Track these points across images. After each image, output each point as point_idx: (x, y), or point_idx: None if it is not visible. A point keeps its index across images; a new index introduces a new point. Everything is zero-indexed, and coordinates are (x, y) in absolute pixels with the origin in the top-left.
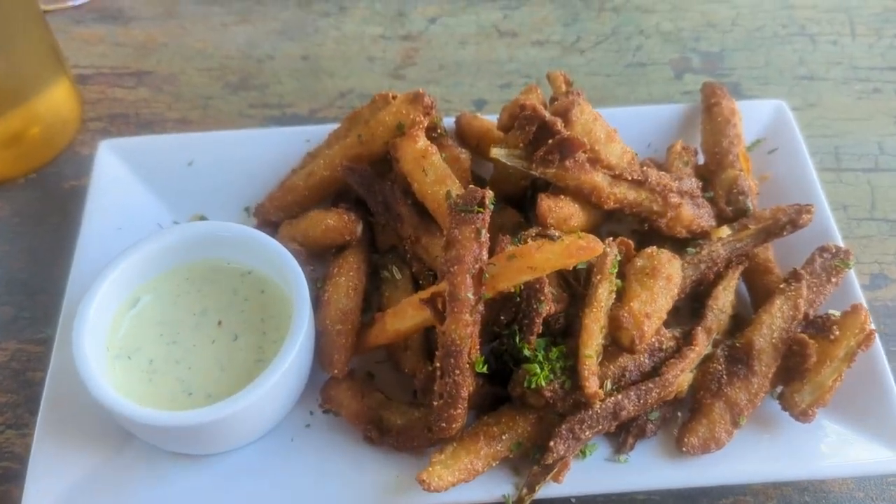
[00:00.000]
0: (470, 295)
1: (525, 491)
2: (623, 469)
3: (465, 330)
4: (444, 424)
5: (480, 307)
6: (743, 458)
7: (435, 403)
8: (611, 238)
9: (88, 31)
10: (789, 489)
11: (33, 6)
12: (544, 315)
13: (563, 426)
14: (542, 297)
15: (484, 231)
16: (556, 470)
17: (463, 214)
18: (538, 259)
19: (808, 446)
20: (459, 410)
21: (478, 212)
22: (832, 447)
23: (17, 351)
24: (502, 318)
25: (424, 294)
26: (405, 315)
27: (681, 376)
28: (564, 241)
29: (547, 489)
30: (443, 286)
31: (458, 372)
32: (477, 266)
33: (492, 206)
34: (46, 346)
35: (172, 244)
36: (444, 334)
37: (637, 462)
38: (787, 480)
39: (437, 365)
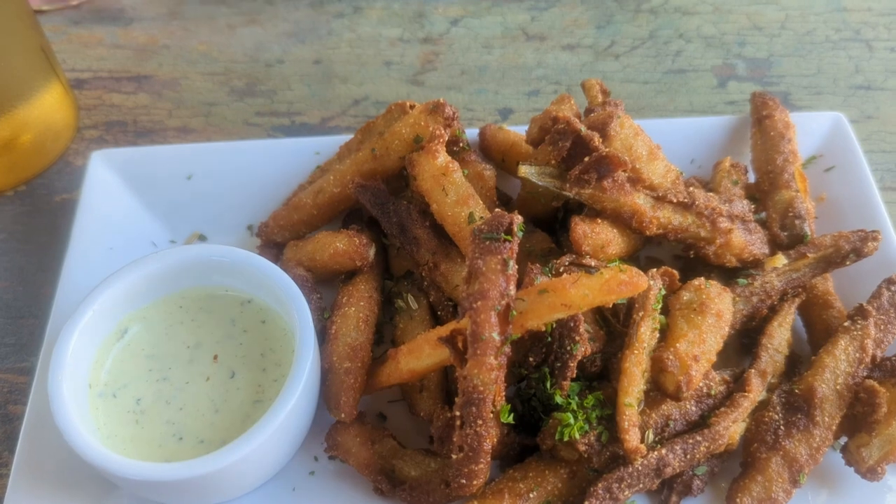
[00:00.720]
0: (495, 335)
1: None
2: None
3: (489, 375)
4: (463, 481)
5: (507, 348)
6: None
7: (454, 456)
8: (654, 269)
9: (87, 33)
10: None
11: (22, 4)
12: (579, 357)
13: (600, 485)
14: (578, 338)
15: (511, 262)
16: None
17: (488, 243)
18: (573, 295)
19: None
20: (481, 465)
21: (505, 240)
22: None
23: None
24: (531, 359)
25: (443, 331)
26: (421, 353)
27: (733, 427)
28: (604, 276)
29: None
30: (464, 323)
31: (480, 422)
32: (503, 302)
33: (520, 234)
34: (30, 375)
35: (166, 269)
36: (466, 379)
37: None
38: None
39: (457, 413)
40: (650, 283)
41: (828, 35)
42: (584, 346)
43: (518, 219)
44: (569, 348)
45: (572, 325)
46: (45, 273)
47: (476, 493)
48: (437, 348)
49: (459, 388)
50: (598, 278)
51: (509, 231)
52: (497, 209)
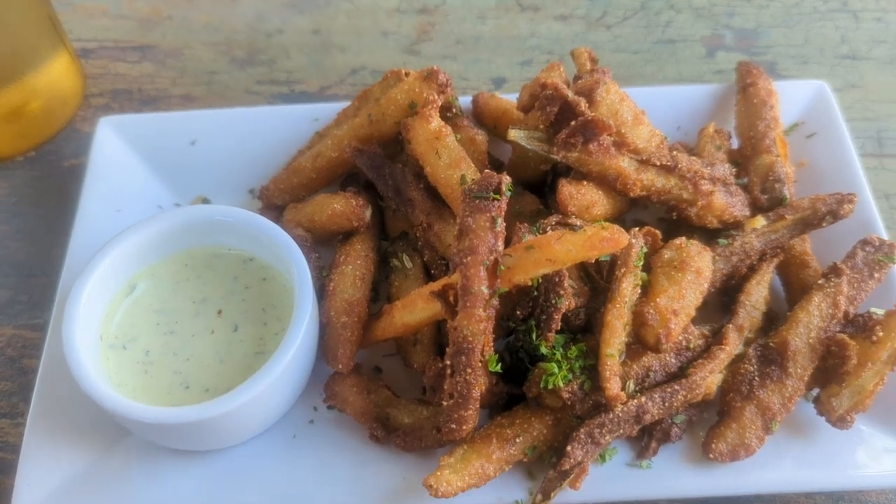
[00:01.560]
0: (484, 288)
1: (540, 498)
2: (645, 475)
3: (478, 326)
4: (453, 426)
5: (495, 301)
6: (774, 466)
7: (445, 403)
8: (636, 228)
9: (91, 3)
10: (822, 499)
11: None
12: (563, 310)
13: (582, 430)
14: (562, 292)
15: (500, 220)
16: (573, 476)
17: (478, 202)
18: (558, 251)
19: (845, 454)
20: (470, 412)
21: (494, 199)
22: (871, 456)
23: (13, 337)
24: (518, 312)
25: (435, 286)
26: (415, 308)
27: (709, 378)
28: (587, 232)
29: (564, 496)
30: (455, 278)
31: (469, 371)
32: (492, 257)
33: (509, 194)
34: (43, 331)
35: (172, 228)
36: (456, 330)
37: (660, 468)
38: (821, 490)
39: (448, 363)
40: (632, 241)
41: (815, 6)
42: (568, 300)
43: (506, 179)
44: (554, 302)
45: (557, 280)
46: (54, 235)
47: (465, 438)
48: (429, 303)
49: (450, 339)
50: (582, 235)
51: (498, 191)
52: (487, 170)
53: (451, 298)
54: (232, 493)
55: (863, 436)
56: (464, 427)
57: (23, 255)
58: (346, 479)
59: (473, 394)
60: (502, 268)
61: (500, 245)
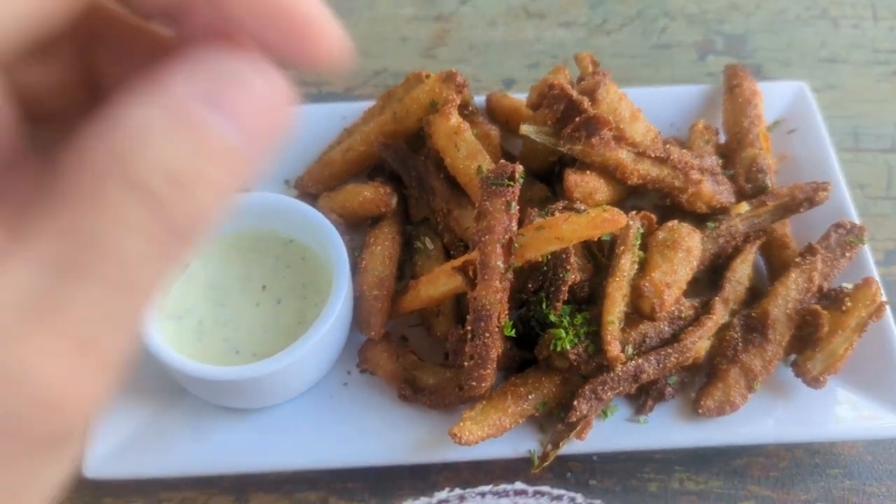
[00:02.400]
0: (500, 263)
1: (550, 447)
2: (642, 429)
3: (495, 296)
4: (474, 383)
5: (509, 275)
6: (757, 420)
7: (465, 364)
8: (634, 212)
9: None
10: (801, 451)
11: None
12: (570, 283)
13: (587, 387)
14: (569, 267)
15: (514, 203)
16: (579, 428)
17: (494, 187)
18: (565, 230)
19: (820, 411)
20: (489, 370)
21: (508, 185)
22: (842, 412)
23: None
24: (530, 285)
25: (457, 262)
26: (438, 282)
27: (698, 343)
28: (590, 214)
29: (571, 446)
30: (474, 255)
31: (487, 335)
32: (507, 236)
33: (521, 180)
34: None
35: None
36: (476, 300)
37: (656, 423)
38: (798, 442)
39: (468, 328)
40: (630, 223)
41: (798, 13)
42: (574, 274)
43: (519, 168)
44: (561, 276)
45: (564, 256)
46: None
47: (484, 396)
48: (451, 277)
49: (470, 307)
50: (586, 216)
51: (512, 177)
52: (501, 161)
53: (471, 273)
54: (274, 446)
55: (835, 395)
56: (483, 384)
57: None
58: (377, 433)
59: (491, 355)
60: (516, 245)
61: (514, 225)
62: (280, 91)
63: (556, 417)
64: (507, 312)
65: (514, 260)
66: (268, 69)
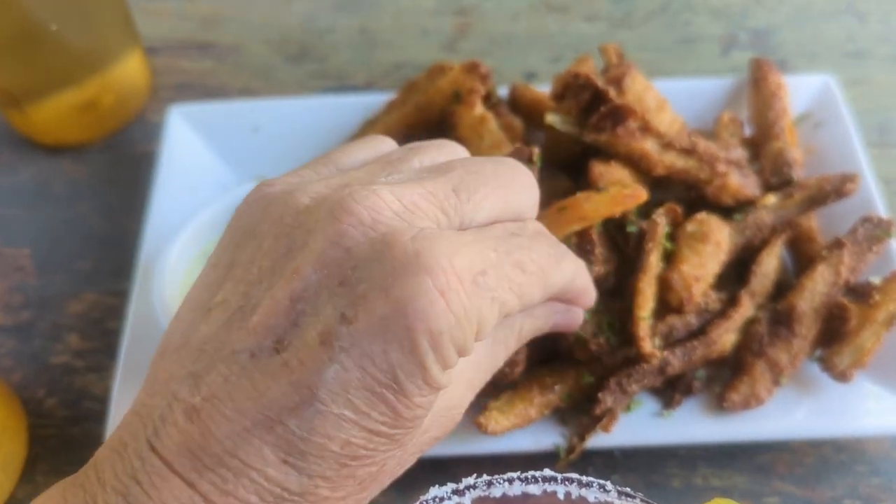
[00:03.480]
0: None
1: (576, 440)
2: (666, 424)
3: None
4: (506, 369)
5: None
6: (782, 416)
7: None
8: (660, 208)
9: (157, 6)
10: (827, 448)
11: None
12: (594, 275)
13: (612, 380)
14: (593, 259)
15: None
16: (605, 421)
17: None
18: (587, 209)
19: (846, 407)
20: (521, 356)
21: (528, 167)
22: (869, 408)
23: (96, 302)
24: None
25: None
26: None
27: (725, 336)
28: (610, 191)
29: (594, 440)
30: None
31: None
32: None
33: (539, 163)
34: (121, 297)
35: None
36: None
37: (679, 418)
38: (824, 437)
39: None
40: (657, 220)
41: (823, 7)
42: (598, 266)
43: (536, 150)
44: (586, 267)
45: (589, 247)
46: (129, 212)
47: (515, 380)
48: None
49: None
50: (606, 194)
51: (531, 159)
52: (518, 144)
53: None
54: None
55: (862, 390)
56: (516, 369)
57: (103, 230)
58: None
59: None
60: None
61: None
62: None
63: (581, 410)
64: None
65: None
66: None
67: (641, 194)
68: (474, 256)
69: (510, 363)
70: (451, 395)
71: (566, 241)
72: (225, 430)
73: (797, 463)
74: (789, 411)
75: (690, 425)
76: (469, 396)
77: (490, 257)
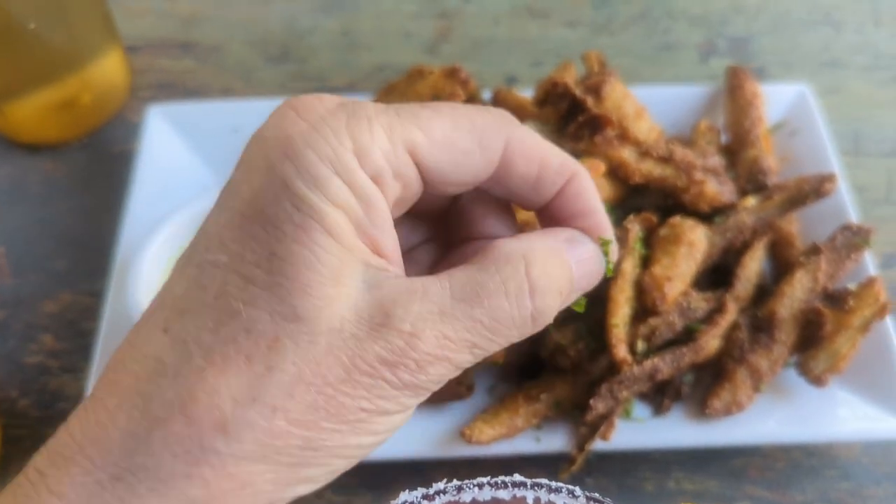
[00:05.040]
0: None
1: (575, 451)
2: (646, 428)
3: None
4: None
5: None
6: (757, 421)
7: None
8: (632, 215)
9: (137, 5)
10: (798, 453)
11: None
12: None
13: (603, 386)
14: None
15: None
16: (603, 429)
17: None
18: None
19: (819, 412)
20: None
21: None
22: (841, 414)
23: (71, 302)
24: None
25: None
26: None
27: (712, 342)
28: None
29: (560, 444)
30: None
31: None
32: None
33: None
34: (97, 297)
35: None
36: None
37: (659, 422)
38: (799, 443)
39: None
40: (629, 227)
41: (801, 17)
42: None
43: None
44: None
45: None
46: (107, 212)
47: (498, 359)
48: None
49: None
50: None
51: None
52: None
53: None
54: None
55: (834, 396)
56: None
57: (79, 230)
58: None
59: None
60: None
61: None
62: (598, 254)
63: (569, 417)
64: None
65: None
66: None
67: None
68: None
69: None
70: None
71: None
72: None
73: (768, 467)
74: (763, 417)
75: (669, 430)
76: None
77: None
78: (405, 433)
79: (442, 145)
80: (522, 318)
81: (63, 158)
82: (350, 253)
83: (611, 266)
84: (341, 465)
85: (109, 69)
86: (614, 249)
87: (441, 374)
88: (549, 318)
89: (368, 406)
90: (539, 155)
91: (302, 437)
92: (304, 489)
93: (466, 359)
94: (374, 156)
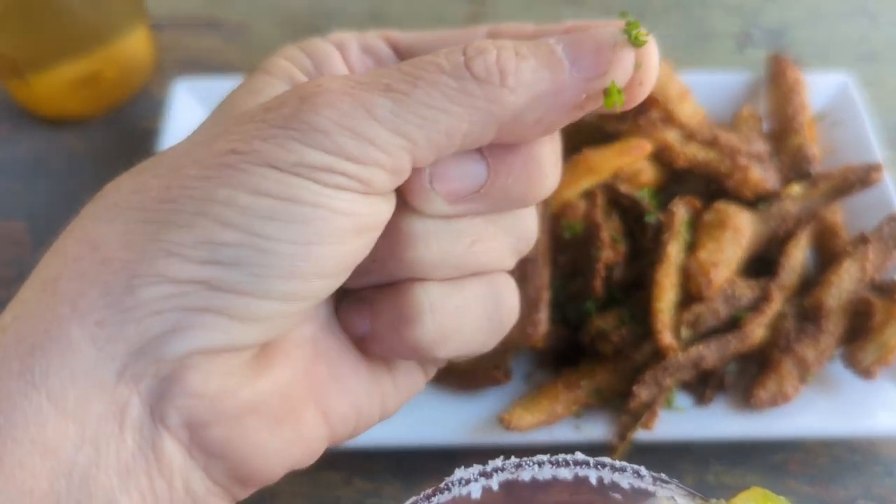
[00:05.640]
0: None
1: (617, 440)
2: (686, 418)
3: (540, 236)
4: (530, 330)
5: (548, 215)
6: (800, 414)
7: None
8: (677, 198)
9: None
10: (840, 448)
11: None
12: (606, 262)
13: (647, 373)
14: (600, 244)
15: None
16: (645, 418)
17: None
18: (596, 161)
19: (864, 406)
20: (542, 314)
21: None
22: (889, 408)
23: None
24: (561, 259)
25: None
26: None
27: (757, 330)
28: (617, 144)
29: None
30: None
31: (537, 276)
32: None
33: None
34: None
35: None
36: None
37: (700, 413)
38: (839, 437)
39: (517, 274)
40: (674, 210)
41: (837, 8)
42: (607, 251)
43: None
44: (594, 253)
45: (594, 230)
46: None
47: (538, 343)
48: None
49: None
50: (614, 146)
51: None
52: None
53: None
54: None
55: (879, 391)
56: (539, 328)
57: None
58: (403, 414)
59: (543, 297)
60: None
61: None
62: (610, 38)
63: (609, 404)
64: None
65: (551, 199)
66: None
67: (647, 145)
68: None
69: (532, 322)
70: None
71: (575, 223)
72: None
73: (810, 462)
74: (806, 410)
75: (711, 421)
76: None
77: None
78: (438, 418)
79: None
80: (455, 65)
81: (86, 134)
82: None
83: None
84: (214, 234)
85: (134, 45)
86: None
87: (339, 122)
88: (526, 92)
89: (243, 148)
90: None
91: (158, 186)
92: (167, 266)
93: (379, 101)
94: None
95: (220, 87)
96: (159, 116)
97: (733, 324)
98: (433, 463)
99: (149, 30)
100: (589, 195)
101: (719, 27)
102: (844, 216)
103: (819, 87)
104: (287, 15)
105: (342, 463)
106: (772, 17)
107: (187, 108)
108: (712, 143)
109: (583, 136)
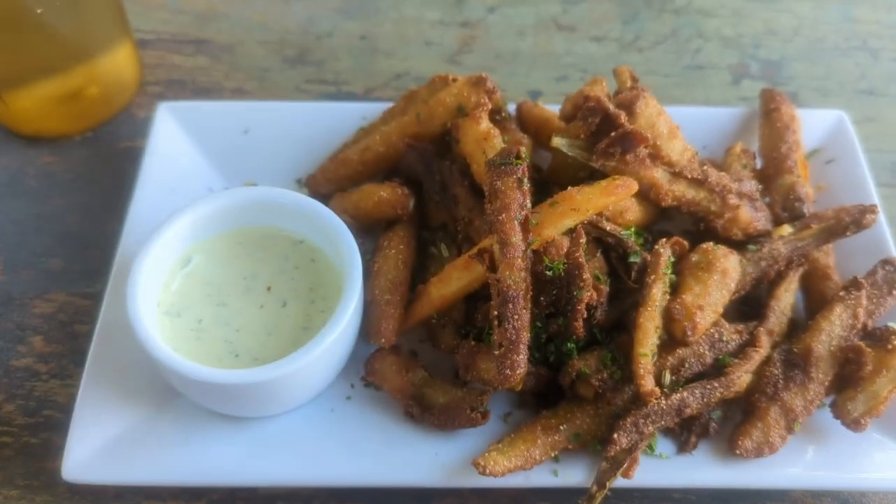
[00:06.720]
0: (519, 240)
1: (595, 488)
2: (665, 466)
3: (520, 274)
4: (507, 371)
5: (530, 253)
6: (787, 464)
7: (496, 353)
8: (664, 239)
9: None
10: (829, 500)
11: None
12: (586, 301)
13: (628, 419)
14: (582, 284)
15: (525, 180)
16: (626, 465)
17: (503, 167)
18: (579, 200)
19: (854, 457)
20: (521, 356)
21: (516, 163)
22: (879, 461)
23: (65, 303)
24: (542, 298)
25: (472, 252)
26: (450, 279)
27: (743, 377)
28: (602, 182)
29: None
30: (488, 241)
31: (516, 317)
32: (522, 213)
33: (528, 159)
34: (94, 300)
35: (227, 207)
36: (500, 282)
37: (684, 460)
38: (829, 489)
39: (495, 314)
40: (661, 251)
41: (837, 43)
42: (589, 291)
43: (524, 147)
44: (575, 293)
45: (577, 272)
46: (108, 210)
47: (517, 385)
48: (463, 272)
49: (493, 292)
50: (598, 185)
51: (518, 156)
52: (503, 145)
53: (488, 259)
54: (270, 459)
55: (872, 441)
56: (517, 371)
57: (77, 227)
58: (378, 452)
59: (522, 338)
60: (533, 222)
61: (528, 203)
62: None
63: (591, 451)
64: (530, 295)
65: (533, 235)
66: None
67: (632, 185)
68: None
69: (510, 364)
70: None
71: (557, 262)
72: None
73: None
74: (794, 460)
75: (694, 469)
76: None
77: None
78: (412, 459)
79: None
80: None
81: (64, 152)
82: None
83: None
84: None
85: (119, 62)
86: None
87: None
88: None
89: None
90: None
91: None
92: None
93: None
94: None
95: (204, 110)
96: (141, 136)
97: (718, 369)
98: (409, 502)
99: (134, 47)
100: (572, 234)
101: (715, 58)
102: (837, 257)
103: (814, 123)
104: (276, 36)
105: (316, 501)
106: (770, 50)
107: (169, 131)
108: (702, 181)
109: (568, 172)
